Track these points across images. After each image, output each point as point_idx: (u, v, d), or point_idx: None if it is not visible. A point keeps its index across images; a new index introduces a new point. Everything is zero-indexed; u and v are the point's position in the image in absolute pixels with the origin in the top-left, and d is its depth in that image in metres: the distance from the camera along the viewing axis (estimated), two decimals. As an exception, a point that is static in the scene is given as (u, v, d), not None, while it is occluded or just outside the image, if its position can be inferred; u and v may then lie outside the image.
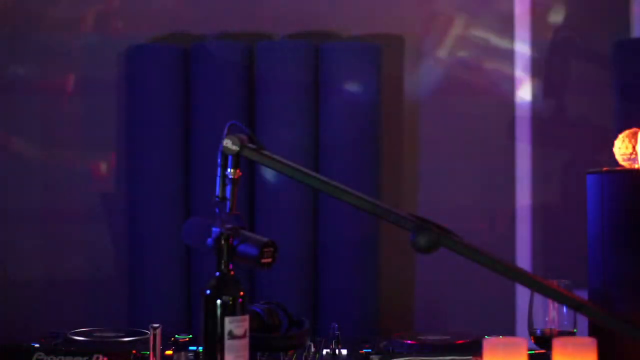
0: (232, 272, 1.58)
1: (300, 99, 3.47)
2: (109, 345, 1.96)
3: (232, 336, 1.56)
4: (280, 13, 3.69)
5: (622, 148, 2.13)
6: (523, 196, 3.69)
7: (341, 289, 3.44)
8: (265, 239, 1.67)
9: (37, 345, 1.93)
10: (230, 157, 1.69)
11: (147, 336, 1.83)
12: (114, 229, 3.52)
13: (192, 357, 1.80)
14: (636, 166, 2.11)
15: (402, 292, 3.66)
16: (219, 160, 1.70)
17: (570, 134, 3.71)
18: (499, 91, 3.71)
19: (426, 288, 3.67)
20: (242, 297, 1.56)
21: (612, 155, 2.21)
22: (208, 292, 1.56)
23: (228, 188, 1.70)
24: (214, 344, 1.57)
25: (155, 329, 1.75)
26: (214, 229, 1.67)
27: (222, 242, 1.58)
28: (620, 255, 1.98)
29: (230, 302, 1.55)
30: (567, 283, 1.86)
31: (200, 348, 1.84)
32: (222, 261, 1.58)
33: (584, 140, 3.70)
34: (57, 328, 2.16)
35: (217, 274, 1.58)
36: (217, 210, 1.68)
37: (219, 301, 1.55)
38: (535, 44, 3.70)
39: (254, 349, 1.76)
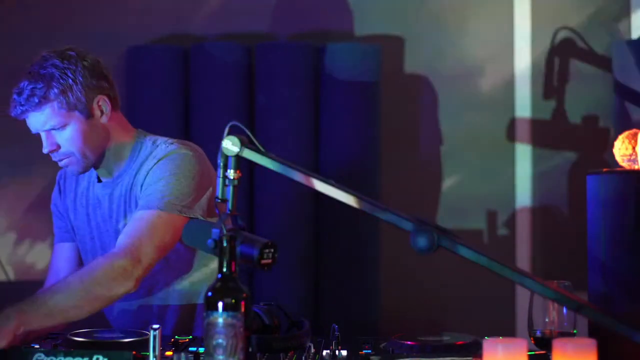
0: (234, 274, 1.57)
1: (300, 100, 3.47)
2: (109, 345, 1.96)
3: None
4: (281, 14, 3.69)
5: (622, 149, 2.14)
6: (523, 197, 3.69)
7: (341, 289, 3.44)
8: (265, 240, 1.67)
9: (37, 346, 1.93)
10: (230, 158, 1.69)
11: (147, 337, 1.83)
12: (114, 230, 3.51)
13: (191, 358, 1.79)
14: (636, 167, 2.11)
15: (402, 292, 3.66)
16: (219, 161, 1.70)
17: (570, 134, 3.71)
18: (499, 91, 3.71)
19: (426, 288, 3.67)
20: (244, 298, 1.55)
21: (612, 156, 2.21)
22: (210, 294, 1.55)
23: (228, 189, 1.70)
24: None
25: (155, 329, 1.75)
26: (214, 230, 1.67)
27: (225, 243, 1.57)
28: (620, 256, 1.98)
29: (233, 304, 1.54)
30: (567, 284, 1.86)
31: (201, 349, 1.84)
32: (225, 263, 1.57)
33: (584, 141, 3.70)
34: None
35: (219, 275, 1.56)
36: (217, 210, 1.68)
37: (220, 303, 1.53)
38: (535, 43, 3.70)
39: (254, 350, 1.76)
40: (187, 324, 2.32)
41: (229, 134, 1.70)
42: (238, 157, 1.69)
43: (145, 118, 3.47)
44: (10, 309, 1.92)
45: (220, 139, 1.69)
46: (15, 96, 2.20)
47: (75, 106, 2.20)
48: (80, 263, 2.43)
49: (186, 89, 3.52)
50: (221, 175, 1.69)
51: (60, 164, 2.28)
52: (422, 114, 3.72)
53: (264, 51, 3.49)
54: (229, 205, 1.69)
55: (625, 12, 3.71)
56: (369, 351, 1.91)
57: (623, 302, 1.98)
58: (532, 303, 1.88)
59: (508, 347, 1.45)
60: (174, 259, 2.27)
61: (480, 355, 1.49)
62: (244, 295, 1.56)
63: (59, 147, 2.23)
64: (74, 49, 2.26)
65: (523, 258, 3.69)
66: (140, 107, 3.47)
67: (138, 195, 2.24)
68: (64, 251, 2.45)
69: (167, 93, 3.48)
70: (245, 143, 1.69)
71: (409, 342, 1.94)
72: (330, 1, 3.73)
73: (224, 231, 1.63)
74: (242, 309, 1.55)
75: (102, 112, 2.27)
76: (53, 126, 2.21)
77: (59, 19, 3.63)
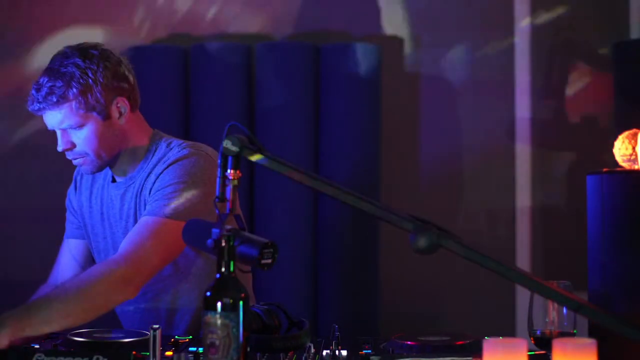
0: (233, 274, 1.57)
1: (300, 100, 3.47)
2: (109, 346, 1.96)
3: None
4: (280, 14, 3.69)
5: (622, 149, 2.13)
6: (523, 197, 3.69)
7: (341, 289, 3.44)
8: (265, 240, 1.67)
9: (37, 346, 1.93)
10: (230, 158, 1.69)
11: (147, 337, 1.83)
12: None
13: (191, 358, 1.79)
14: (636, 167, 2.11)
15: (402, 292, 3.66)
16: (219, 161, 1.70)
17: (570, 134, 3.71)
18: (499, 92, 3.71)
19: (426, 288, 3.67)
20: (242, 298, 1.56)
21: (612, 156, 2.21)
22: (208, 294, 1.56)
23: (228, 189, 1.69)
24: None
25: (155, 330, 1.75)
26: (213, 230, 1.67)
27: (223, 243, 1.57)
28: (620, 256, 1.98)
29: (230, 304, 1.54)
30: (567, 284, 1.86)
31: (201, 349, 1.84)
32: (223, 263, 1.57)
33: (583, 141, 3.70)
34: (57, 329, 2.16)
35: (218, 275, 1.57)
36: (216, 210, 1.68)
37: (218, 303, 1.54)
38: (535, 44, 3.71)
39: (254, 350, 1.76)
40: (198, 328, 2.30)
41: (228, 134, 1.70)
42: (238, 157, 1.69)
43: (145, 118, 3.47)
44: (5, 316, 1.87)
45: (220, 139, 1.69)
46: (33, 91, 2.17)
47: (93, 107, 2.18)
48: (86, 261, 2.41)
49: (186, 89, 3.51)
50: (221, 175, 1.69)
51: (74, 162, 2.25)
52: (422, 114, 3.72)
53: (264, 51, 3.49)
54: (229, 205, 1.69)
55: (625, 12, 3.71)
56: (369, 351, 1.91)
57: (623, 302, 1.98)
58: (532, 303, 1.88)
59: (508, 347, 1.45)
60: (183, 264, 2.25)
61: (480, 355, 1.49)
62: (242, 295, 1.56)
63: (74, 145, 2.21)
64: (97, 47, 2.24)
65: (523, 258, 3.69)
66: (140, 107, 3.46)
67: (146, 198, 2.21)
68: (73, 247, 2.43)
69: (167, 93, 3.48)
70: (245, 143, 1.69)
71: (409, 342, 1.94)
72: (330, 1, 3.73)
73: (224, 231, 1.63)
74: (239, 309, 1.55)
75: (120, 113, 2.25)
76: (70, 125, 2.18)
77: (60, 18, 3.63)
